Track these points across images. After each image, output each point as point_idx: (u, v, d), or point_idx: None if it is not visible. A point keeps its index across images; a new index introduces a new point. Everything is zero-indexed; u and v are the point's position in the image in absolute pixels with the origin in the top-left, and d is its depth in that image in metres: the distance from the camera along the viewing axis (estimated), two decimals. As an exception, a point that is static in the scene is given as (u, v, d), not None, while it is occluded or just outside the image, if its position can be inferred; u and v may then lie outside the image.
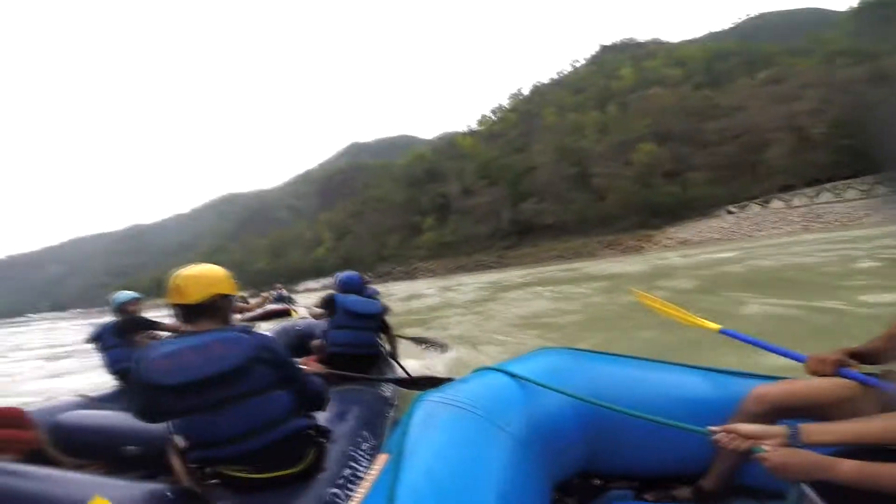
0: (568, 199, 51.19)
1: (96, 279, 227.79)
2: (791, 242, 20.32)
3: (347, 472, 1.76)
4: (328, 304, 3.44)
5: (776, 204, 37.51)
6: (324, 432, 1.77)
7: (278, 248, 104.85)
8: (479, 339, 6.76)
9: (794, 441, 1.07)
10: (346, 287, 3.61)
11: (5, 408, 2.35)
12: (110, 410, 2.88)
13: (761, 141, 43.93)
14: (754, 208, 39.03)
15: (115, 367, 3.51)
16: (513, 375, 1.51)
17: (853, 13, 71.25)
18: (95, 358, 3.58)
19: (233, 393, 1.49)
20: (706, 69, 66.86)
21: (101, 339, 3.60)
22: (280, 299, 13.49)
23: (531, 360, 1.69)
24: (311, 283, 66.15)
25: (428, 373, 3.83)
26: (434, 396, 1.37)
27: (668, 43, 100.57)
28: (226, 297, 1.66)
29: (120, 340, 3.54)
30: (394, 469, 1.06)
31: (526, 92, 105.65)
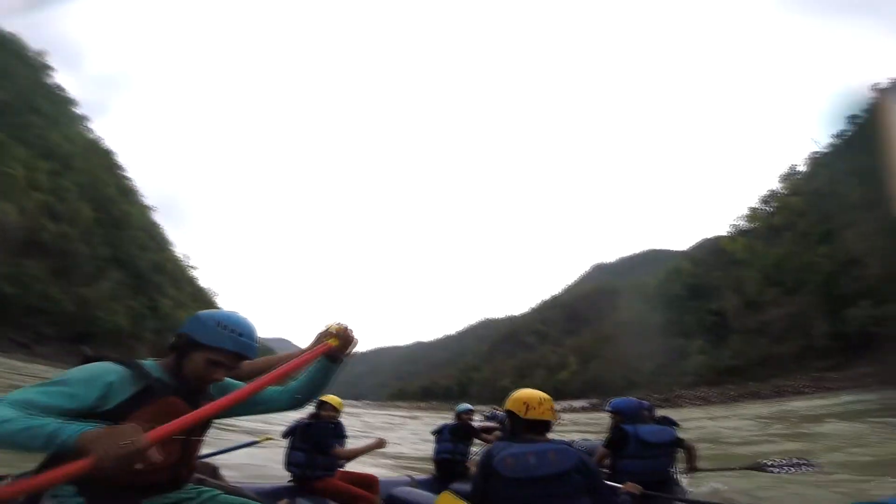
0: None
1: (385, 380, 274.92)
2: None
3: None
4: (618, 434, 3.39)
5: None
6: None
7: (523, 370, 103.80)
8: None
9: None
10: (629, 414, 3.53)
11: (367, 473, 3.40)
12: (429, 492, 3.37)
13: None
14: None
15: (440, 455, 4.52)
16: None
17: None
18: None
19: (554, 492, 1.84)
20: None
21: (440, 433, 4.65)
22: (493, 418, 12.56)
23: None
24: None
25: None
26: None
27: None
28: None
29: (452, 438, 4.51)
30: None
31: (802, 167, 78.77)
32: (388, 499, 3.22)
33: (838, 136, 74.16)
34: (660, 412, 4.06)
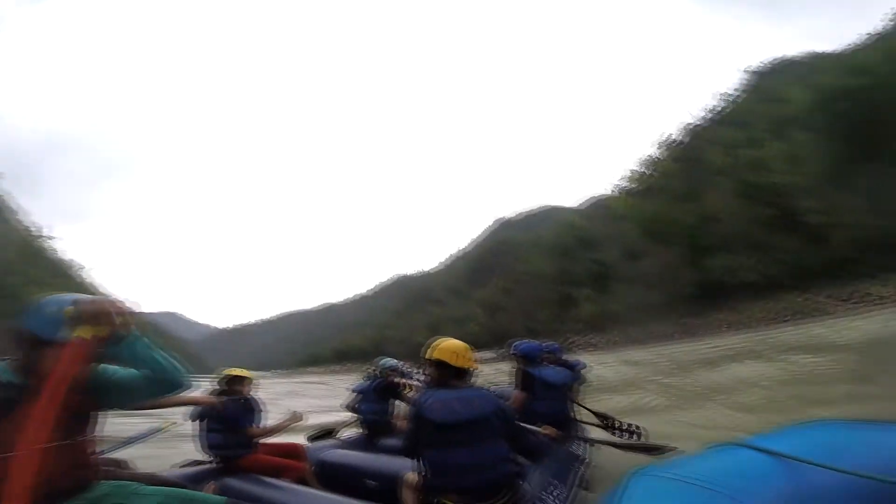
0: (772, 248, 39.29)
1: (295, 347, 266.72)
2: None
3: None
4: (525, 378, 3.56)
5: None
6: (522, 475, 2.10)
7: (436, 325, 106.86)
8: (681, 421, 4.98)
9: None
10: (532, 357, 3.68)
11: (291, 443, 3.25)
12: (359, 452, 3.57)
13: None
14: None
15: (367, 415, 4.39)
16: (766, 451, 1.18)
17: None
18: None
19: (474, 435, 1.91)
20: None
21: (364, 392, 4.47)
22: (403, 375, 15.04)
23: (788, 436, 1.29)
24: None
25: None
26: (657, 471, 1.15)
27: (828, 53, 79.10)
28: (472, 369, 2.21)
29: (377, 397, 4.37)
30: None
31: (676, 135, 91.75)
32: (319, 464, 3.18)
33: (710, 110, 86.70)
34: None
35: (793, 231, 39.28)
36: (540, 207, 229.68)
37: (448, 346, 2.21)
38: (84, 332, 1.20)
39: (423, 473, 2.02)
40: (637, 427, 4.17)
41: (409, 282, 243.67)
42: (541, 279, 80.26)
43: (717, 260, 42.93)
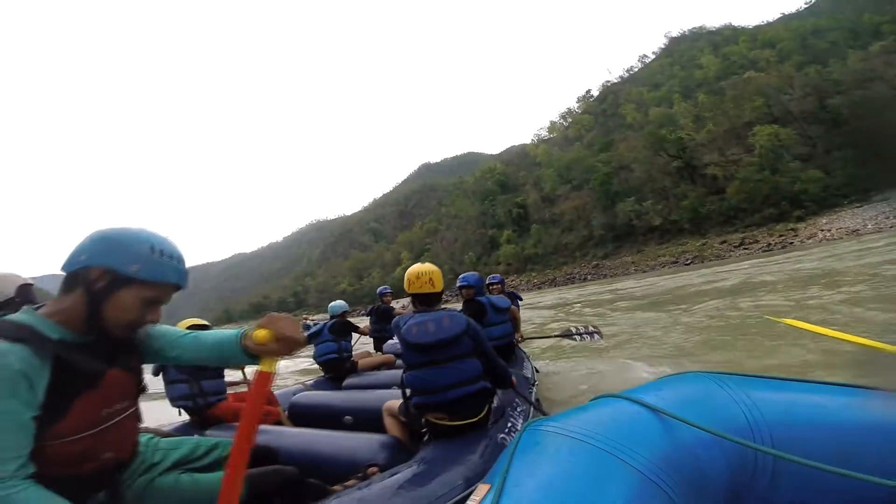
0: (676, 196, 42.62)
1: (206, 303, 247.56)
2: None
3: (509, 424, 2.10)
4: (476, 305, 3.60)
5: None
6: (493, 394, 2.12)
7: (360, 271, 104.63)
8: (577, 368, 4.60)
9: None
10: (478, 287, 3.82)
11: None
12: (327, 391, 3.55)
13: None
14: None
15: (326, 356, 4.31)
16: (641, 404, 1.23)
17: None
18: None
19: (450, 354, 1.99)
20: (802, 47, 57.12)
21: (319, 334, 4.40)
22: (306, 328, 14.35)
23: (663, 387, 1.34)
24: (392, 305, 60.64)
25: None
26: (544, 425, 1.19)
27: (743, 28, 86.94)
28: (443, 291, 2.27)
29: (332, 337, 4.33)
30: (495, 501, 0.93)
31: (595, 93, 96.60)
32: (291, 407, 3.17)
33: (627, 70, 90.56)
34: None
35: (694, 182, 43.06)
36: (463, 154, 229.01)
37: (420, 276, 2.20)
38: (268, 368, 1.06)
39: (408, 394, 2.08)
40: (595, 328, 4.46)
41: (328, 226, 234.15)
42: (465, 221, 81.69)
43: (627, 205, 45.89)
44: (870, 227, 27.05)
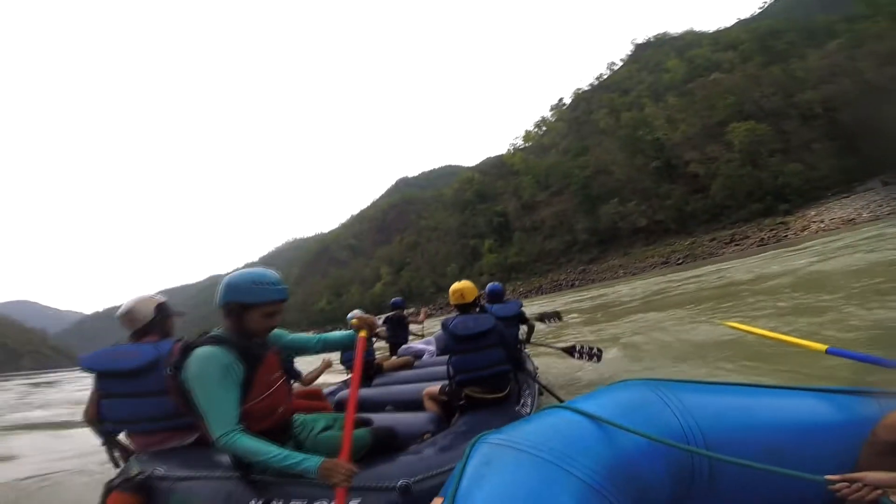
0: (659, 196, 41.31)
1: (182, 326, 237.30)
2: None
3: (524, 400, 2.64)
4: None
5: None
6: (513, 375, 2.72)
7: (338, 288, 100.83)
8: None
9: None
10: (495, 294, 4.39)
11: (312, 388, 3.33)
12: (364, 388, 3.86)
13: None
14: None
15: (349, 363, 4.47)
16: (584, 414, 1.25)
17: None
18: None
19: (483, 343, 2.55)
20: (762, 48, 58.30)
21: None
22: None
23: (607, 396, 1.38)
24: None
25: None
26: (493, 438, 1.20)
27: (703, 32, 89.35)
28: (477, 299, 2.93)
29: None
30: None
31: (568, 100, 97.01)
32: (336, 403, 3.39)
33: (597, 77, 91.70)
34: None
35: (674, 181, 42.01)
36: (441, 167, 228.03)
37: (456, 292, 2.84)
38: (363, 334, 1.94)
39: (451, 374, 2.58)
40: (598, 350, 4.49)
41: (306, 244, 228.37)
42: (445, 233, 79.63)
43: (611, 207, 44.40)
44: (865, 215, 25.95)
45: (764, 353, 3.89)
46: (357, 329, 1.94)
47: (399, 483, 1.46)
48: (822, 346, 1.73)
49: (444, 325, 2.65)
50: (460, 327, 2.58)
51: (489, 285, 4.36)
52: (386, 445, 1.83)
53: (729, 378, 1.58)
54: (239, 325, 1.57)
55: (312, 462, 1.37)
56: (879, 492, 0.86)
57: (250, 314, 1.56)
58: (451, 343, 2.61)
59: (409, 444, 1.93)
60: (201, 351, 1.46)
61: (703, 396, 1.33)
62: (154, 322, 2.09)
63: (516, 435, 1.17)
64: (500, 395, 2.51)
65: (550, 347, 4.90)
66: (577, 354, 4.56)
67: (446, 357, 2.71)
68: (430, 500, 1.18)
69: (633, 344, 5.95)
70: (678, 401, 1.30)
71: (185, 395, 1.47)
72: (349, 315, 4.55)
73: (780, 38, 58.73)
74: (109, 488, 1.56)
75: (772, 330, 2.08)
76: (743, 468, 1.06)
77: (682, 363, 4.58)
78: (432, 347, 5.09)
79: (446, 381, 2.64)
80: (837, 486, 0.89)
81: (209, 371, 1.43)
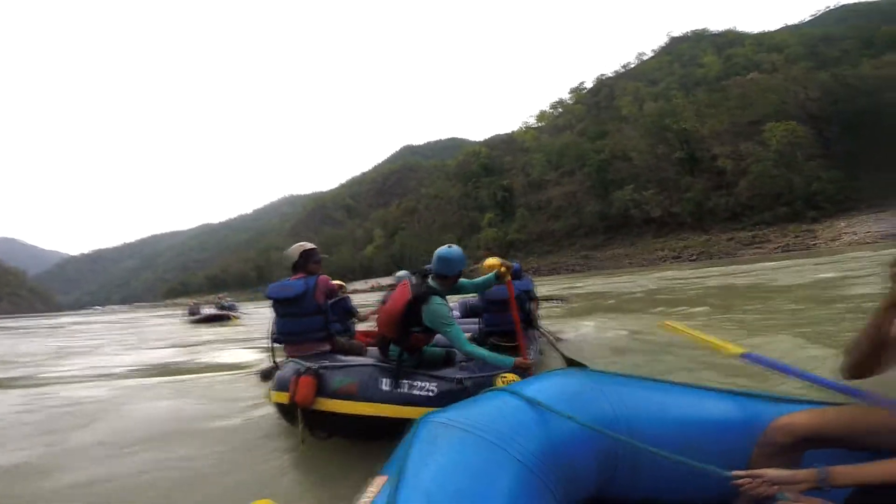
0: (680, 187, 38.48)
1: (163, 274, 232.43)
2: None
3: (531, 348, 3.16)
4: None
5: None
6: (527, 328, 3.65)
7: (329, 247, 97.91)
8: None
9: (823, 484, 0.96)
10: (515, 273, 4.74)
11: (372, 329, 4.05)
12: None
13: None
14: None
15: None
16: (523, 398, 1.33)
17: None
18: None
19: (506, 306, 3.00)
20: (810, 54, 55.16)
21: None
22: (223, 308, 15.96)
23: (546, 382, 1.47)
24: (359, 284, 49.49)
25: None
26: (438, 417, 1.25)
27: (746, 33, 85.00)
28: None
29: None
30: (392, 492, 0.97)
31: (589, 85, 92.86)
32: None
33: (624, 66, 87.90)
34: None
35: (697, 174, 39.19)
36: (447, 139, 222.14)
37: (494, 266, 2.89)
38: (507, 278, 2.62)
39: (482, 326, 3.71)
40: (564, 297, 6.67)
41: (301, 200, 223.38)
42: (445, 202, 76.34)
43: (625, 193, 41.42)
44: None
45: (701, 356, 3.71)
46: (503, 274, 2.56)
47: (456, 376, 2.22)
48: (738, 350, 1.83)
49: (483, 294, 3.53)
50: (493, 292, 3.31)
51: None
52: (449, 360, 2.60)
53: (666, 376, 1.53)
54: (449, 284, 2.44)
55: (509, 360, 2.19)
56: (776, 488, 0.94)
57: (451, 279, 2.45)
58: (486, 304, 3.66)
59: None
60: (437, 298, 2.33)
61: (633, 390, 1.42)
62: (298, 263, 2.84)
63: (461, 415, 1.21)
64: (514, 344, 3.04)
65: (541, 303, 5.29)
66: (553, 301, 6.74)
67: (466, 319, 4.62)
68: (478, 390, 1.52)
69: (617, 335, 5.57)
70: (613, 392, 1.38)
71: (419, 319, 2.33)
72: (487, 261, 4.31)
73: (834, 46, 55.62)
74: (298, 374, 2.22)
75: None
76: (660, 458, 1.14)
77: (638, 357, 4.39)
78: (456, 313, 5.37)
79: (469, 334, 3.34)
80: (741, 480, 0.97)
81: (445, 310, 2.31)
